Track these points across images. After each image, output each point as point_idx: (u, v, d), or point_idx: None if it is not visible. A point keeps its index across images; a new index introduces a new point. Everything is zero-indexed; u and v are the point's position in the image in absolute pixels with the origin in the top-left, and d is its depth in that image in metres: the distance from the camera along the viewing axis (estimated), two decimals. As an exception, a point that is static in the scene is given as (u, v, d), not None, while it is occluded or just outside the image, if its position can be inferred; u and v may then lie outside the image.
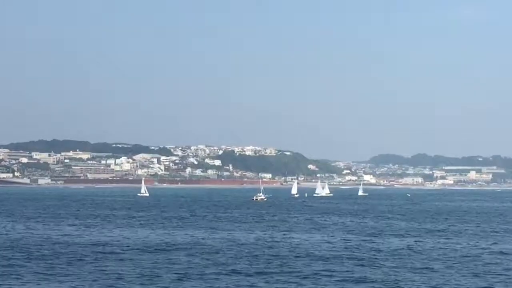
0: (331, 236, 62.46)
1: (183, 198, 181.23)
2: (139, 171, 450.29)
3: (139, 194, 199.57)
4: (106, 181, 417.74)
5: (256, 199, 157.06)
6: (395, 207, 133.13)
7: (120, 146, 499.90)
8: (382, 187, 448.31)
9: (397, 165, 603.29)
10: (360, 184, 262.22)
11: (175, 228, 72.03)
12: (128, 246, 52.55)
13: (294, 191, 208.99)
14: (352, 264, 42.90)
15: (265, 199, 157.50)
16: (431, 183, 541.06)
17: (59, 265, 42.10)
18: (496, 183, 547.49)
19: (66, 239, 58.83)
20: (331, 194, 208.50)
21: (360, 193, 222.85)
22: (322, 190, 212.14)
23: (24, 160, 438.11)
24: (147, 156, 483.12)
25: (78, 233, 65.32)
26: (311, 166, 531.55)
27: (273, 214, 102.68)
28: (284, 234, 64.04)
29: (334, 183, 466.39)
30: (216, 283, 36.04)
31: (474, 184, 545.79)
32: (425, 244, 55.58)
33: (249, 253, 48.44)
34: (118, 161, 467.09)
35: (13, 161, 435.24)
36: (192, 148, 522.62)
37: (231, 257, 46.17)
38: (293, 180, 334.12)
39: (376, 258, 45.82)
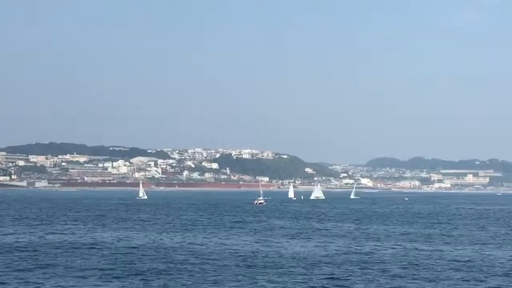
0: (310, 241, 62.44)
1: (176, 201, 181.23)
2: (136, 174, 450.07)
3: (137, 198, 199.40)
4: (103, 184, 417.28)
5: (257, 203, 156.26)
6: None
7: (117, 149, 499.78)
8: (376, 191, 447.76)
9: (394, 169, 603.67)
10: (353, 188, 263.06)
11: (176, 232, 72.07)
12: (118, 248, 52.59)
13: (291, 194, 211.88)
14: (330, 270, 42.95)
15: (264, 203, 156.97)
16: (428, 187, 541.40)
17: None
18: (493, 187, 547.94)
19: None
20: (316, 198, 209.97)
21: (352, 196, 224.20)
22: (314, 193, 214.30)
23: (21, 163, 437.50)
24: (144, 159, 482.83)
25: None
26: (308, 170, 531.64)
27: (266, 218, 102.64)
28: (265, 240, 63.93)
29: (331, 186, 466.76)
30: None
31: (471, 187, 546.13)
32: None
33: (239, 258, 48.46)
34: (115, 164, 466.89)
35: (10, 164, 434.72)
36: (189, 151, 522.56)
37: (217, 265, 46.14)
38: (290, 183, 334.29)
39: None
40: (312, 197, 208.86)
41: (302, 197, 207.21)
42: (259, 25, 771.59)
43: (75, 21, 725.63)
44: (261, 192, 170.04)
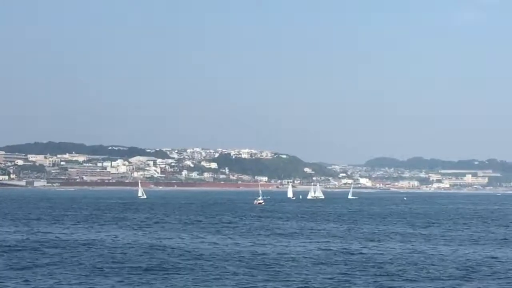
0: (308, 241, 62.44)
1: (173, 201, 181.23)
2: (135, 174, 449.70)
3: (136, 197, 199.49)
4: (102, 183, 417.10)
5: (257, 203, 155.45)
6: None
7: (116, 148, 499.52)
8: (374, 190, 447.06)
9: (393, 169, 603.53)
10: (350, 188, 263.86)
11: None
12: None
13: (289, 194, 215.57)
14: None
15: (263, 203, 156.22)
16: (427, 187, 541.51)
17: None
18: (492, 187, 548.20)
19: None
20: (316, 198, 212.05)
21: (350, 196, 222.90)
22: (314, 192, 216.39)
23: (20, 162, 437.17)
24: (143, 158, 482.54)
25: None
26: (307, 169, 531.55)
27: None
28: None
29: (330, 186, 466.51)
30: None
31: (470, 187, 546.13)
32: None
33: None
34: (114, 163, 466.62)
35: (9, 163, 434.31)
36: (188, 150, 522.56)
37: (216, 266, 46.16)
38: (289, 183, 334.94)
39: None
40: (309, 196, 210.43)
41: (300, 197, 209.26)
42: (259, 25, 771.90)
43: (75, 21, 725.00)
44: (260, 192, 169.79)
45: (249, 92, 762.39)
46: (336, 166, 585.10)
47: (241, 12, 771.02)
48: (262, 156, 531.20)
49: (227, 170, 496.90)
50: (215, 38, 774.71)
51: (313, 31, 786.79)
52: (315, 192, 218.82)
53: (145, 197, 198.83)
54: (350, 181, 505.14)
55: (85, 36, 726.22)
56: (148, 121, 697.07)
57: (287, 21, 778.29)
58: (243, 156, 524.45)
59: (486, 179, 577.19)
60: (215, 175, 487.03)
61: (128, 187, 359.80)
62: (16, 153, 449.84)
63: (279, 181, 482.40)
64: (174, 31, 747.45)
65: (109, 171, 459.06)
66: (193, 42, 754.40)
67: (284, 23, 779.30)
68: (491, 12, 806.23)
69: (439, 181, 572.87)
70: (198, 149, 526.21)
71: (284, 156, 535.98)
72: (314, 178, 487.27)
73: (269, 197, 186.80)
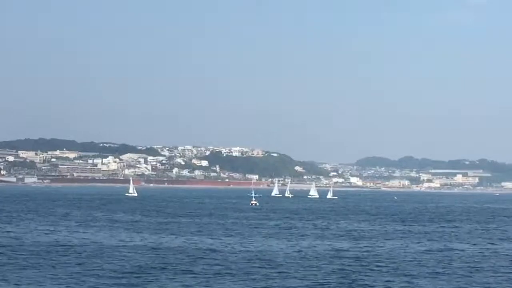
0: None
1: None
2: (126, 171, 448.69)
3: (127, 194, 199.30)
4: (92, 180, 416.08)
5: (252, 204, 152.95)
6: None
7: (107, 145, 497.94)
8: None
9: (384, 168, 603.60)
10: (341, 187, 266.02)
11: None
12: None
13: (274, 192, 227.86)
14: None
15: (256, 203, 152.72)
16: (417, 186, 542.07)
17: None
18: (482, 187, 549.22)
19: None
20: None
21: (329, 196, 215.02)
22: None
23: (11, 158, 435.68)
24: (134, 156, 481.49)
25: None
26: (298, 168, 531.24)
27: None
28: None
29: (320, 185, 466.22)
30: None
31: (460, 187, 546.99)
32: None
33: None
34: (105, 160, 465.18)
35: (0, 160, 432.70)
36: (179, 148, 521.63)
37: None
38: (279, 182, 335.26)
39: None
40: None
41: (291, 195, 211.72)
42: (259, 25, 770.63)
43: (74, 20, 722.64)
44: (253, 191, 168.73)
45: (238, 93, 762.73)
46: (327, 165, 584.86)
47: (241, 12, 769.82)
48: (253, 154, 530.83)
49: (218, 168, 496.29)
50: (215, 38, 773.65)
51: (313, 31, 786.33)
52: (310, 191, 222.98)
53: (136, 194, 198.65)
54: (341, 180, 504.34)
55: (84, 35, 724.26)
56: (140, 119, 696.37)
57: (287, 21, 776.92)
58: (234, 154, 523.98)
59: (477, 179, 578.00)
60: (206, 173, 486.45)
61: (118, 185, 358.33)
62: (7, 149, 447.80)
63: (270, 179, 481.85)
64: (174, 31, 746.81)
65: (100, 168, 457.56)
66: (188, 43, 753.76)
67: (284, 23, 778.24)
68: (491, 12, 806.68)
69: (429, 180, 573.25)
70: (189, 147, 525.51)
71: (275, 155, 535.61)
72: (305, 177, 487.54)
73: (261, 195, 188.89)
